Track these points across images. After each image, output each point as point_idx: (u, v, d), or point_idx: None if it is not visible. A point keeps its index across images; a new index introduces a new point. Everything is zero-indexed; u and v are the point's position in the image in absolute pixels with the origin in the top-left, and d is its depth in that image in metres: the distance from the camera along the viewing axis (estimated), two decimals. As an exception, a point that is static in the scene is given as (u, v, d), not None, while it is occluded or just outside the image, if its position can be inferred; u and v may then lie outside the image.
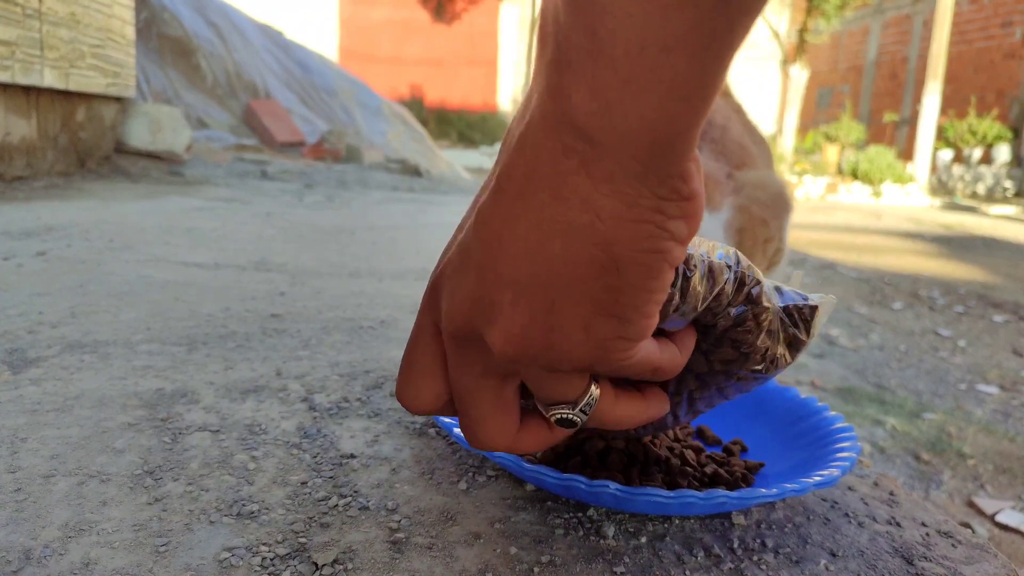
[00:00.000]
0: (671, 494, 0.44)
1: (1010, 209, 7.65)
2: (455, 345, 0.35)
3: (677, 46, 0.24)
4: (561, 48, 0.26)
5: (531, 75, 0.30)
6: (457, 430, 0.51)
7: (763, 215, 0.76)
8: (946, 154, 9.95)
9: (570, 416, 0.37)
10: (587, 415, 0.37)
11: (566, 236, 0.29)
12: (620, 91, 0.25)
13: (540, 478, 0.47)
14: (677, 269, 0.36)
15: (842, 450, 0.52)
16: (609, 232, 0.29)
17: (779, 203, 0.79)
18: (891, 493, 0.58)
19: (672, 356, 0.38)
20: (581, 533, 0.48)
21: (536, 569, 0.44)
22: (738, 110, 0.91)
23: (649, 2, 0.23)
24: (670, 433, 0.55)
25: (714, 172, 0.77)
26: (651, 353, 0.36)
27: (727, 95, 0.96)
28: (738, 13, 0.24)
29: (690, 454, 0.53)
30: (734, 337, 0.40)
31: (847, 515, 0.53)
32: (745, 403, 0.64)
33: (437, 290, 0.36)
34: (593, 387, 0.37)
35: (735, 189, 0.77)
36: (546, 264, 0.30)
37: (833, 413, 0.58)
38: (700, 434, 0.61)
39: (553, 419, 0.37)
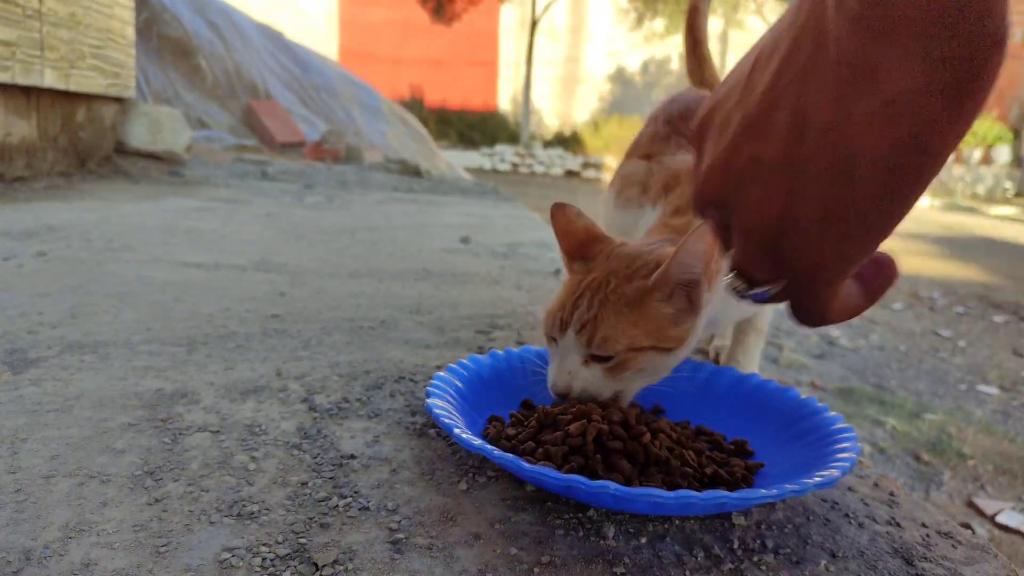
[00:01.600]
0: (671, 494, 0.44)
1: (1010, 210, 7.65)
2: (701, 203, 0.38)
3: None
4: None
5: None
6: (458, 431, 0.51)
7: None
8: (946, 155, 9.96)
9: (759, 292, 0.37)
10: (769, 299, 0.37)
11: (823, 132, 0.31)
12: None
13: (541, 479, 0.47)
14: None
15: (842, 450, 0.52)
16: (854, 131, 0.30)
17: None
18: (891, 494, 0.58)
19: (856, 305, 0.37)
20: (581, 533, 0.48)
21: (536, 569, 0.44)
22: None
23: None
24: (671, 434, 0.55)
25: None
26: (851, 296, 0.36)
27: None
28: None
29: (690, 455, 0.53)
30: None
31: (847, 516, 0.53)
32: (746, 403, 0.64)
33: (700, 134, 0.38)
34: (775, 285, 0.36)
35: None
36: (797, 154, 0.31)
37: (833, 413, 0.58)
38: (700, 434, 0.61)
39: (735, 290, 0.38)
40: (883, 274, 0.38)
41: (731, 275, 0.37)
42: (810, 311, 0.36)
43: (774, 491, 0.45)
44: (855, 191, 0.31)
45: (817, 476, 0.48)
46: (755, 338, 0.84)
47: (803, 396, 0.61)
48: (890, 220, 0.32)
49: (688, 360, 0.68)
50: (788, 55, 0.32)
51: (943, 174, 9.85)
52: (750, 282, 0.37)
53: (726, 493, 0.44)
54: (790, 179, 0.32)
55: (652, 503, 0.45)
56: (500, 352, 0.68)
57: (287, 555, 0.44)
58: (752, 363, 0.85)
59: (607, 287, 0.58)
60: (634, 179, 0.80)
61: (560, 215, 0.64)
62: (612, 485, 0.44)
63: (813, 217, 0.32)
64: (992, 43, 0.27)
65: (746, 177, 0.34)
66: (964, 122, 0.29)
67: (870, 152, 0.30)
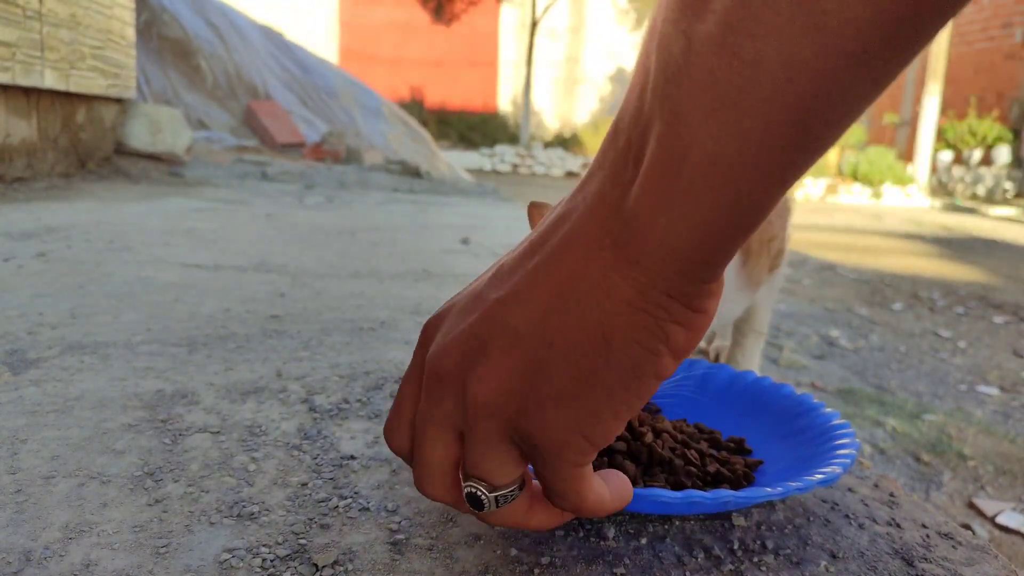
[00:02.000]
0: (678, 494, 0.44)
1: (1010, 210, 7.65)
2: (430, 384, 0.35)
3: (747, 168, 0.25)
4: (632, 145, 0.27)
5: (594, 161, 0.31)
6: None
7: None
8: (946, 155, 9.95)
9: (483, 498, 0.35)
10: (498, 506, 0.36)
11: (577, 307, 0.30)
12: (679, 196, 0.26)
13: None
14: None
15: (842, 446, 0.52)
16: (614, 314, 0.30)
17: (781, 202, 0.79)
18: (891, 494, 0.58)
19: (602, 501, 0.36)
20: (581, 534, 0.48)
21: (536, 570, 0.44)
22: None
23: (730, 127, 0.24)
24: (676, 434, 0.55)
25: None
26: (593, 487, 0.35)
27: None
28: (817, 152, 0.25)
29: (693, 454, 0.53)
30: None
31: (847, 516, 0.53)
32: (740, 399, 0.64)
33: (433, 328, 0.36)
34: (519, 487, 0.36)
35: None
36: (546, 324, 0.31)
37: (829, 410, 0.58)
38: (699, 431, 0.61)
39: (465, 492, 0.36)
40: (623, 488, 0.38)
41: (468, 484, 0.35)
42: (566, 495, 0.34)
43: (779, 489, 0.45)
44: (608, 365, 0.30)
45: (819, 473, 0.48)
46: (754, 339, 0.84)
47: (798, 393, 0.61)
48: (633, 396, 0.32)
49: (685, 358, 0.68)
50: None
51: (943, 175, 9.86)
52: (491, 485, 0.35)
53: (732, 492, 0.44)
54: (541, 350, 0.31)
55: (660, 503, 0.45)
56: None
57: (287, 556, 0.44)
58: (751, 364, 0.85)
59: None
60: None
61: (536, 213, 0.64)
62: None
63: (562, 389, 0.31)
64: None
65: (491, 344, 0.32)
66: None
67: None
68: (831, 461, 0.50)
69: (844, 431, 0.54)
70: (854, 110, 0.25)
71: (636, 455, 0.52)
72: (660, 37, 0.26)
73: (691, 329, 0.30)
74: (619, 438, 0.52)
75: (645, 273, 0.29)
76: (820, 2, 0.22)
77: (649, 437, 0.52)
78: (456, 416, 0.34)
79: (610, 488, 0.37)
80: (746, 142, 0.24)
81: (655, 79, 0.26)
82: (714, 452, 0.56)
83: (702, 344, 1.10)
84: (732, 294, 0.73)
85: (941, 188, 9.84)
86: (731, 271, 0.72)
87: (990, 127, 9.65)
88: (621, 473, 0.39)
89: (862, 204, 8.28)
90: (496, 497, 0.35)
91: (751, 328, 0.84)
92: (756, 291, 0.77)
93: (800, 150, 0.25)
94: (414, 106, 12.25)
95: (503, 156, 11.51)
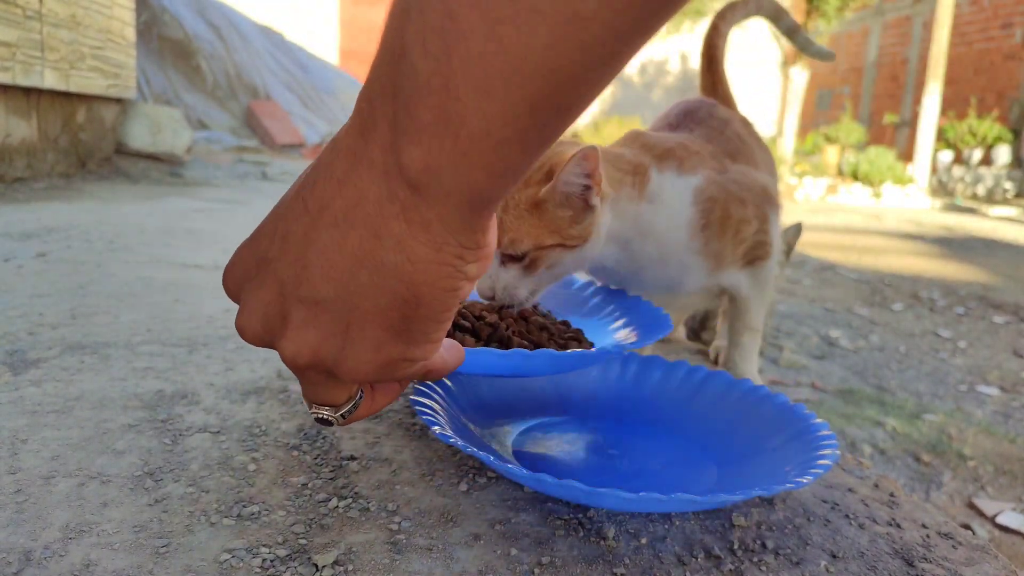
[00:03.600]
0: (668, 497, 0.44)
1: (1010, 210, 7.65)
2: (248, 342, 0.38)
3: (516, 139, 0.29)
4: (406, 112, 0.29)
5: (360, 118, 0.32)
6: (436, 428, 0.51)
7: (742, 195, 0.77)
8: (946, 155, 9.95)
9: (330, 418, 0.41)
10: (345, 419, 0.41)
11: (376, 271, 0.33)
12: (456, 160, 0.29)
13: (540, 483, 0.46)
14: None
15: (823, 456, 0.51)
16: (417, 273, 0.33)
17: (762, 195, 0.79)
18: (891, 495, 0.58)
19: (442, 362, 0.42)
20: (582, 534, 0.48)
21: (536, 570, 0.44)
22: (745, 122, 0.91)
23: (501, 102, 0.28)
24: (517, 319, 0.66)
25: (696, 146, 0.78)
26: (429, 362, 0.40)
27: (732, 108, 0.97)
28: (567, 122, 0.29)
29: (530, 336, 0.65)
30: None
31: (847, 516, 0.53)
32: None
33: (232, 284, 0.38)
34: (359, 394, 0.41)
35: (718, 168, 0.78)
36: (349, 290, 0.33)
37: (818, 420, 0.57)
38: (545, 318, 0.71)
39: (314, 417, 0.41)
40: (458, 351, 0.45)
41: (312, 410, 0.41)
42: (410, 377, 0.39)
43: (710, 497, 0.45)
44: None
45: (789, 483, 0.47)
46: (750, 337, 0.84)
47: (791, 403, 0.61)
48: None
49: (684, 363, 0.68)
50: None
51: (944, 175, 9.85)
52: (333, 407, 0.41)
53: (694, 497, 0.44)
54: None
55: (653, 500, 0.45)
56: None
57: (287, 556, 0.44)
58: (749, 364, 0.84)
59: (513, 195, 0.65)
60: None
61: None
62: (615, 490, 0.44)
63: (376, 339, 0.35)
64: None
65: (291, 316, 0.35)
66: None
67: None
68: (808, 471, 0.49)
69: (828, 441, 0.53)
70: (594, 91, 0.29)
71: (478, 332, 0.60)
72: (423, 10, 0.28)
73: (481, 259, 0.34)
74: (465, 318, 0.60)
75: (439, 234, 0.32)
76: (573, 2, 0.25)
77: (492, 317, 0.61)
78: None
79: (447, 354, 0.42)
80: (516, 118, 0.28)
81: (421, 49, 0.28)
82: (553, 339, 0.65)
83: (703, 346, 1.10)
84: (688, 258, 0.75)
85: (941, 188, 9.84)
86: (684, 237, 0.74)
87: (990, 127, 9.65)
88: (455, 341, 0.44)
89: (862, 204, 8.29)
90: (340, 415, 0.41)
91: (745, 326, 0.83)
92: (720, 267, 0.77)
93: (559, 121, 0.29)
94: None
95: (503, 156, 11.47)
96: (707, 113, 0.87)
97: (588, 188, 0.65)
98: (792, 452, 0.55)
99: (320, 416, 0.41)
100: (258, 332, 0.36)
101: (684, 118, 0.87)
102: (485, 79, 0.27)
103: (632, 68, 15.67)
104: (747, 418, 0.62)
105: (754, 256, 0.80)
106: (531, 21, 0.26)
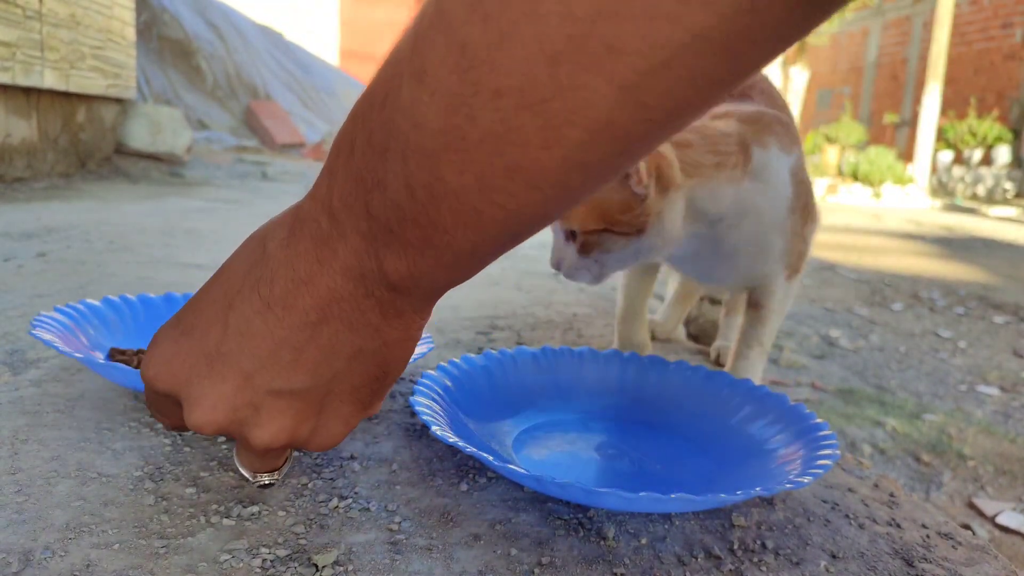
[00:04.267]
0: (668, 497, 0.44)
1: (1010, 211, 7.65)
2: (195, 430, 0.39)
3: (498, 253, 0.32)
4: (387, 232, 0.31)
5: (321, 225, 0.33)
6: (435, 428, 0.51)
7: (811, 186, 0.74)
8: (946, 155, 9.95)
9: (272, 481, 0.45)
10: (282, 477, 0.45)
11: (351, 358, 0.36)
12: (440, 270, 0.32)
13: (540, 483, 0.47)
14: None
15: (824, 456, 0.51)
16: (390, 353, 0.36)
17: (805, 189, 0.75)
18: (891, 494, 0.58)
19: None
20: (582, 534, 0.48)
21: (536, 571, 0.44)
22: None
23: (492, 239, 0.30)
24: None
25: (782, 118, 0.73)
26: None
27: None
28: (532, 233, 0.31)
29: None
30: None
31: (847, 516, 0.53)
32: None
33: (166, 378, 0.38)
34: (291, 452, 0.44)
35: (794, 139, 0.73)
36: (324, 378, 0.36)
37: (819, 420, 0.57)
38: None
39: (257, 485, 0.44)
40: None
41: (256, 479, 0.45)
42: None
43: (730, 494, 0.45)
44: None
45: (789, 483, 0.47)
46: (759, 353, 0.79)
47: (792, 403, 0.61)
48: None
49: (684, 363, 0.68)
50: None
51: (944, 175, 9.85)
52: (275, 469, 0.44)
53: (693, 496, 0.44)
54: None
55: (653, 500, 0.45)
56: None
57: (287, 556, 0.44)
58: (753, 378, 0.81)
59: None
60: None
61: None
62: (614, 490, 0.44)
63: (345, 413, 0.39)
64: None
65: (266, 409, 0.37)
66: None
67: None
68: (808, 471, 0.49)
69: (829, 441, 0.53)
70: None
71: None
72: (406, 158, 0.29)
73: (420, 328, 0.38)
74: None
75: (409, 318, 0.35)
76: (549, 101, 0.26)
77: None
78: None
79: None
80: (497, 242, 0.31)
81: (406, 192, 0.29)
82: None
83: (703, 347, 1.10)
84: (777, 239, 0.71)
85: (941, 188, 9.84)
86: (782, 216, 0.69)
87: (990, 127, 9.65)
88: None
89: (862, 204, 8.28)
90: (283, 474, 0.45)
91: (757, 341, 0.78)
92: (785, 258, 0.73)
93: (520, 238, 0.32)
94: (414, 106, 12.24)
95: (503, 156, 11.47)
96: (765, 83, 0.78)
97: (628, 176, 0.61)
98: (792, 452, 0.55)
99: (263, 483, 0.44)
100: (223, 425, 0.37)
101: (744, 86, 0.78)
102: (478, 226, 0.29)
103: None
104: (747, 418, 0.62)
105: (798, 265, 0.75)
106: (530, 195, 0.28)
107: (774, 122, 0.71)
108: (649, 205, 0.62)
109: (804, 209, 0.72)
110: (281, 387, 0.35)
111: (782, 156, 0.70)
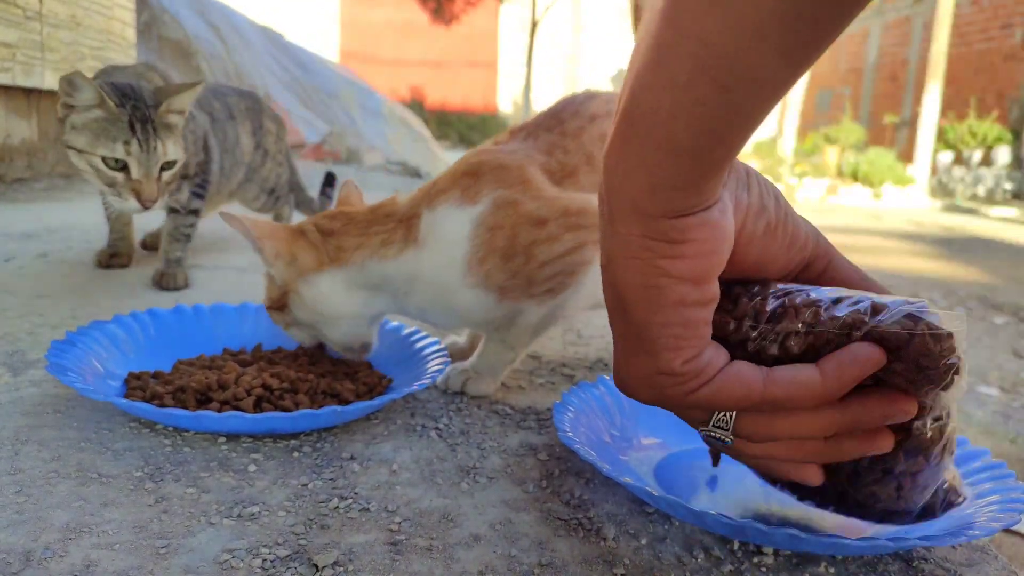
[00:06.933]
0: (850, 542, 0.42)
1: (1010, 211, 7.64)
2: None
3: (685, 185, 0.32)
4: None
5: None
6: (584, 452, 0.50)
7: (540, 215, 0.69)
8: (946, 156, 9.94)
9: (708, 435, 0.39)
10: (727, 429, 0.38)
11: (605, 285, 0.36)
12: (632, 152, 0.32)
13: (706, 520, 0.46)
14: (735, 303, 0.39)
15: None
16: (614, 271, 0.35)
17: (576, 214, 0.70)
18: (891, 495, 0.58)
19: (794, 386, 0.35)
20: (582, 534, 0.48)
21: (536, 570, 0.44)
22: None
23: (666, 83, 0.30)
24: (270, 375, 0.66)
25: (511, 159, 0.69)
26: (736, 387, 0.36)
27: None
28: (744, 117, 0.30)
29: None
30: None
31: (847, 517, 0.53)
32: None
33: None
34: (719, 413, 0.38)
35: (532, 184, 0.68)
36: (609, 310, 0.37)
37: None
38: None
39: (702, 436, 0.40)
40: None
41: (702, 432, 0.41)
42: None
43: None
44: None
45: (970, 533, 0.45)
46: (499, 347, 0.73)
47: None
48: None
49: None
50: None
51: (944, 175, 9.85)
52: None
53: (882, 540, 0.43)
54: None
55: (831, 543, 0.43)
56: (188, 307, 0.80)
57: (287, 556, 0.44)
58: (494, 372, 0.74)
59: None
60: None
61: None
62: (788, 530, 0.43)
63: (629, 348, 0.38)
64: None
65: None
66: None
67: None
68: None
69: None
70: (766, 88, 0.29)
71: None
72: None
73: (685, 257, 0.33)
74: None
75: (623, 227, 0.33)
76: None
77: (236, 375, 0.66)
78: None
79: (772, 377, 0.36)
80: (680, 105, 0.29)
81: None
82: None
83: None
84: (464, 295, 0.67)
85: (941, 188, 9.83)
86: (457, 275, 0.66)
87: (990, 128, 9.64)
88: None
89: (862, 205, 8.28)
90: (715, 425, 0.38)
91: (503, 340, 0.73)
92: (506, 298, 0.68)
93: (732, 113, 0.29)
94: (414, 106, 12.25)
95: (503, 156, 11.45)
96: (572, 112, 0.73)
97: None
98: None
99: (704, 434, 0.39)
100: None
101: (546, 119, 0.73)
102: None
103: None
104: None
105: (551, 286, 0.68)
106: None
107: (465, 174, 0.67)
108: (283, 284, 0.70)
109: (507, 249, 0.66)
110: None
111: (458, 211, 0.66)
